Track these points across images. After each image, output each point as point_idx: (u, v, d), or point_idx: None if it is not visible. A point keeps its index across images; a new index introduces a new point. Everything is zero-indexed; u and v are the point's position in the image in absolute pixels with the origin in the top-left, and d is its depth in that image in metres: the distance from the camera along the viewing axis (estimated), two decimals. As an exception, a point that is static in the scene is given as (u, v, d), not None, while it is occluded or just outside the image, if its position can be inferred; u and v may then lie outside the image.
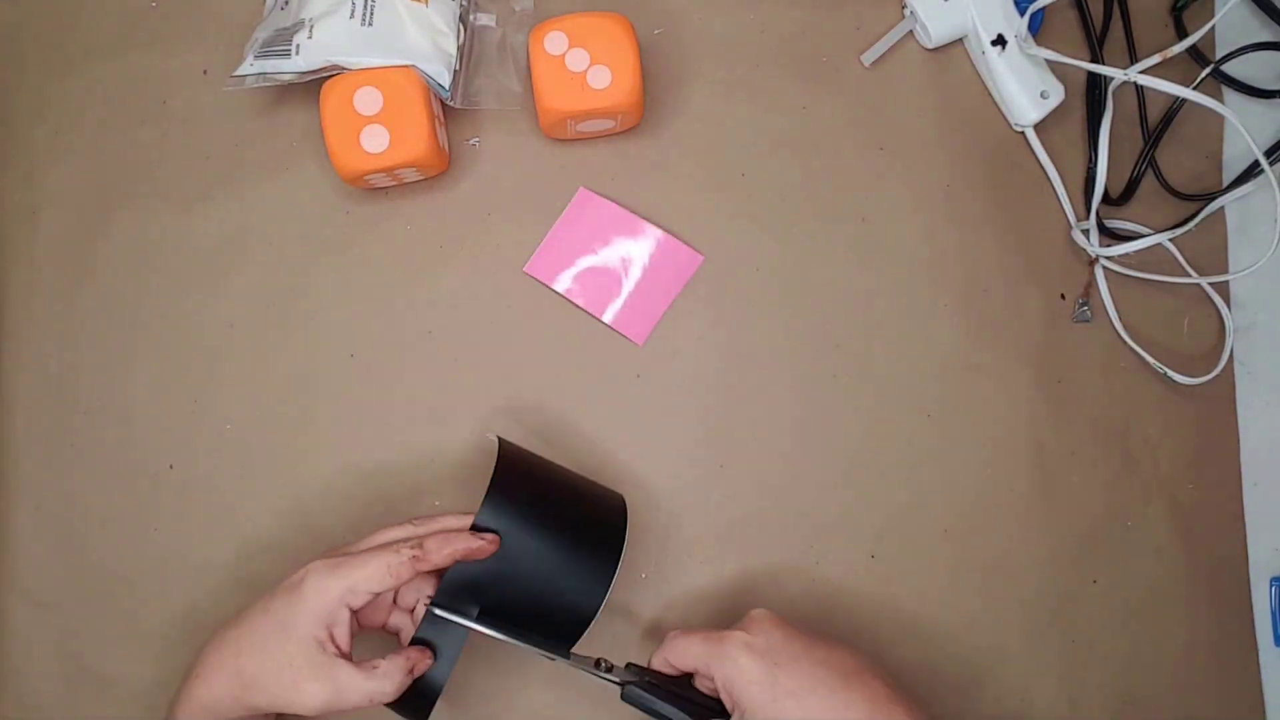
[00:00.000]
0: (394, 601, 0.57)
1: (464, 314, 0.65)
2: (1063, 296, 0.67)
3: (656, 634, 0.63)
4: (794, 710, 0.50)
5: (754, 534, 0.65)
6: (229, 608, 0.61)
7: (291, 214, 0.66)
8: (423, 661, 0.53)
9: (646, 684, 0.54)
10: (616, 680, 0.54)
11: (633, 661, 0.56)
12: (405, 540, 0.53)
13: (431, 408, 0.65)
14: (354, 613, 0.52)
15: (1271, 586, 0.66)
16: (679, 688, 0.54)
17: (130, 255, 0.66)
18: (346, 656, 0.51)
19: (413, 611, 0.56)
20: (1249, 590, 0.66)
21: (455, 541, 0.52)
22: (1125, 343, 0.67)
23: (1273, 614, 0.65)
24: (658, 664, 0.55)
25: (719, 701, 0.53)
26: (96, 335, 0.65)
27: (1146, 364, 0.66)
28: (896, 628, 0.64)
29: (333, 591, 0.51)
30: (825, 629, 0.63)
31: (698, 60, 0.67)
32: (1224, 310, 0.67)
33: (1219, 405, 0.67)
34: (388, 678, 0.51)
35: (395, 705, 0.53)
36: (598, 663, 0.55)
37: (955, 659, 0.64)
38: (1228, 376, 0.67)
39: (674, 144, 0.67)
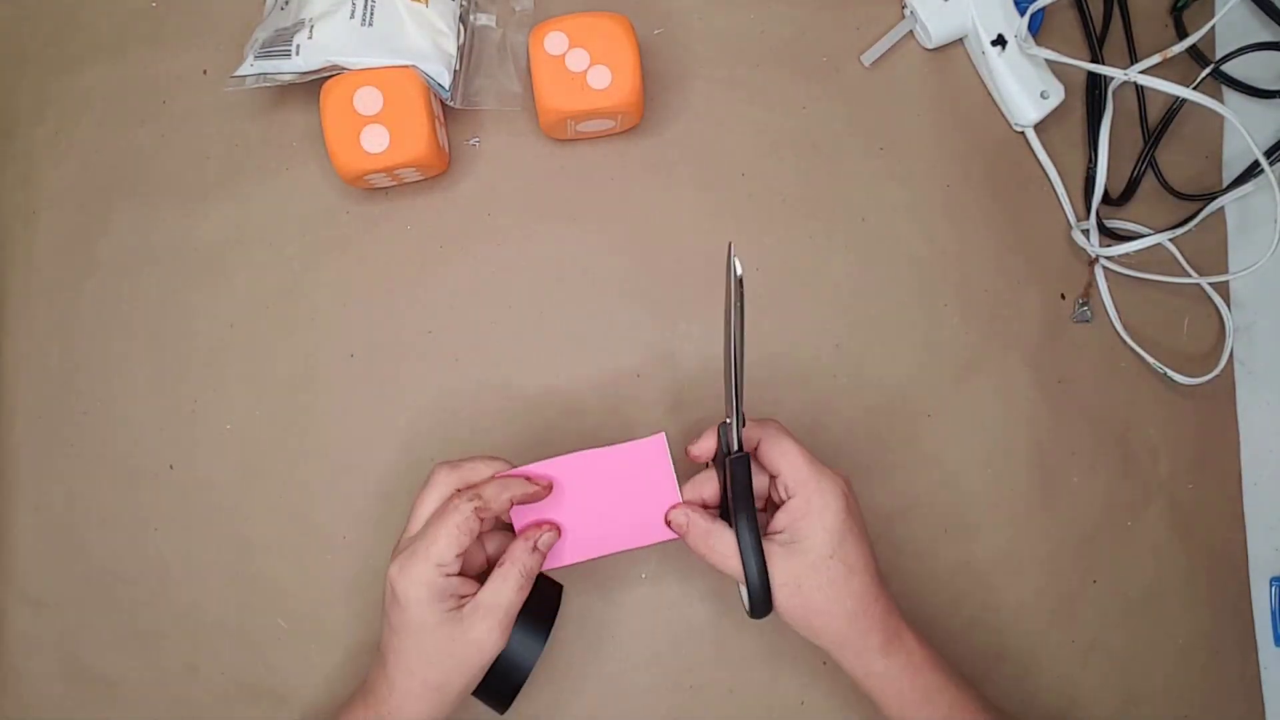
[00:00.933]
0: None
1: (464, 314, 0.65)
2: (1063, 296, 0.67)
3: (656, 633, 0.63)
4: (839, 575, 0.51)
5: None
6: (230, 608, 0.63)
7: (291, 214, 0.66)
8: (546, 532, 0.53)
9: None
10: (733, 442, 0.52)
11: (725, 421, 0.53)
12: (461, 495, 0.52)
13: (431, 407, 0.65)
14: (461, 575, 0.52)
15: (1271, 586, 0.66)
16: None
17: (130, 255, 0.66)
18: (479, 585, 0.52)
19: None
20: (1249, 590, 0.66)
21: (512, 487, 0.52)
22: (1125, 343, 0.67)
23: (1273, 614, 0.65)
24: (747, 435, 0.54)
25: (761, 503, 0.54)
26: (96, 335, 0.65)
27: (1146, 364, 0.66)
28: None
29: (424, 576, 0.50)
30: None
31: (698, 60, 0.67)
32: (1224, 310, 0.67)
33: (1219, 405, 0.67)
34: (530, 557, 0.52)
35: (481, 693, 0.54)
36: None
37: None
38: (1228, 376, 0.67)
39: (674, 144, 0.67)
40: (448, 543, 0.50)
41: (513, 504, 0.53)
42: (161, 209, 0.66)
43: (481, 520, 0.51)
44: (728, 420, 0.53)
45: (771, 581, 0.51)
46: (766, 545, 0.52)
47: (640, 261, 0.66)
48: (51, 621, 0.64)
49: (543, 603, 0.58)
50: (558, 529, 0.54)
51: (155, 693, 0.63)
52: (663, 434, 0.54)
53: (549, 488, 0.54)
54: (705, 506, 0.55)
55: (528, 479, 0.54)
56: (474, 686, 0.53)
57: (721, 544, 0.52)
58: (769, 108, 0.67)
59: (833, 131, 0.67)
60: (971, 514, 0.65)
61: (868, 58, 0.67)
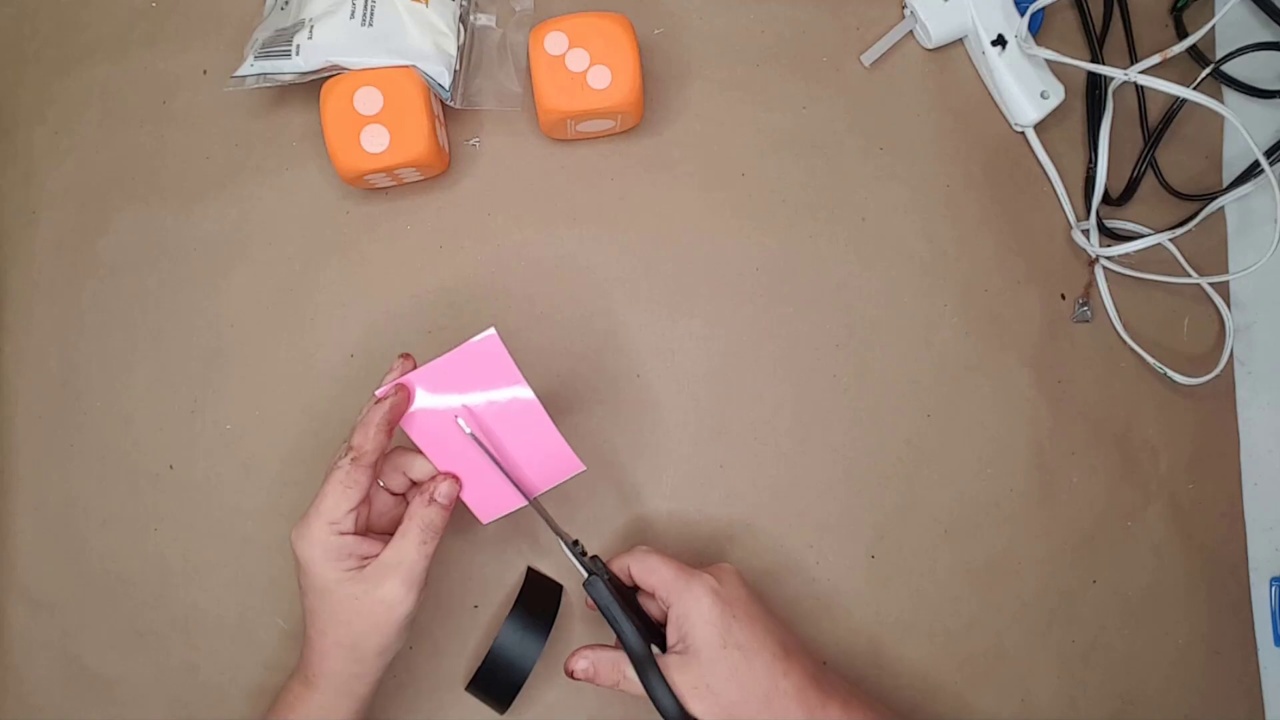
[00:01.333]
0: (395, 497, 0.55)
1: (464, 314, 0.65)
2: (1063, 297, 0.67)
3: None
4: (739, 662, 0.51)
5: (753, 534, 0.64)
6: (229, 609, 0.63)
7: (291, 214, 0.66)
8: (442, 482, 0.53)
9: (611, 581, 0.54)
10: (586, 568, 0.54)
11: (598, 555, 0.55)
12: (338, 453, 0.52)
13: None
14: (359, 534, 0.52)
15: (1271, 586, 0.66)
16: (626, 598, 0.55)
17: (130, 255, 0.66)
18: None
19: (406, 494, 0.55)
20: (1249, 590, 0.66)
21: (373, 416, 0.51)
22: (1125, 343, 0.66)
23: (1273, 614, 0.65)
24: (617, 568, 0.55)
25: (660, 627, 0.54)
26: (97, 335, 0.65)
27: (1146, 364, 0.66)
28: (896, 628, 0.64)
29: (318, 536, 0.50)
30: (824, 628, 0.64)
31: (698, 60, 0.67)
32: (1224, 310, 0.67)
33: (1219, 405, 0.67)
34: (426, 511, 0.52)
35: (481, 693, 0.54)
36: (575, 542, 0.55)
37: (955, 659, 0.64)
38: (1228, 376, 0.67)
39: (674, 144, 0.66)
40: (335, 500, 0.50)
41: (386, 430, 0.52)
42: (161, 209, 0.66)
43: (362, 469, 0.51)
44: (568, 548, 0.54)
45: (680, 693, 0.51)
46: (666, 659, 0.52)
47: (640, 261, 0.66)
48: (51, 621, 0.63)
49: (542, 602, 0.58)
50: (455, 479, 0.53)
51: (155, 693, 0.63)
52: (493, 329, 0.52)
53: (402, 390, 0.53)
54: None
55: (377, 399, 0.52)
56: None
57: (630, 673, 0.53)
58: (769, 107, 0.67)
59: (833, 131, 0.67)
60: (971, 514, 0.65)
61: (868, 58, 0.67)
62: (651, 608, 0.56)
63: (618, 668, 0.53)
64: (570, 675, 0.54)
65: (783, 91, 0.67)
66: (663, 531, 0.64)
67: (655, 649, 0.53)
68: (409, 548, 0.51)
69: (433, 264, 0.66)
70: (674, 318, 0.66)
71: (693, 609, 0.52)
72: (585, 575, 0.53)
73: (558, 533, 0.54)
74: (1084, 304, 0.67)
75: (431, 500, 0.53)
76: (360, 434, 0.51)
